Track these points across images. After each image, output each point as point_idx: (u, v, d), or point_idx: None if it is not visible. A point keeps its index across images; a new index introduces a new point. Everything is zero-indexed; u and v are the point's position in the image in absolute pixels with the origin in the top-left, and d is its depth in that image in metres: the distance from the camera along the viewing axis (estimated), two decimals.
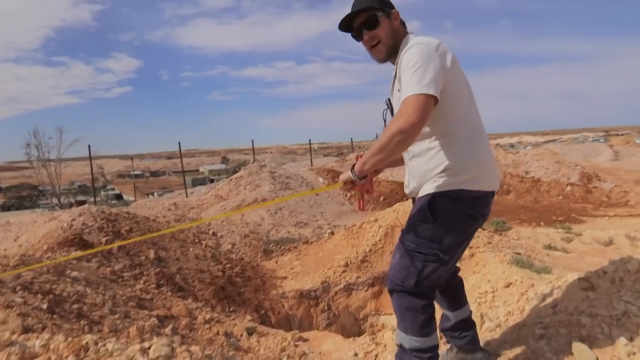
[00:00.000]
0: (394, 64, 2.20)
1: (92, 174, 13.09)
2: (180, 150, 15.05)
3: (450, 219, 2.05)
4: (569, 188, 14.49)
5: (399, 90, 2.03)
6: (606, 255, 7.45)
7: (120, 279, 5.01)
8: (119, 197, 53.16)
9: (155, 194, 44.49)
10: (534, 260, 5.90)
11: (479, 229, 7.04)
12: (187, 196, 13.09)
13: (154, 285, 5.22)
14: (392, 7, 2.20)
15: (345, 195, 13.34)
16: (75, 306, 3.64)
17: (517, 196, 14.34)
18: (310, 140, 20.96)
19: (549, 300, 2.88)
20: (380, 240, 6.68)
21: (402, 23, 2.23)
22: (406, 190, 2.30)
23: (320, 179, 14.17)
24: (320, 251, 7.22)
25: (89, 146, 12.38)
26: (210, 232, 7.92)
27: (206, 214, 10.03)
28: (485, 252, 5.91)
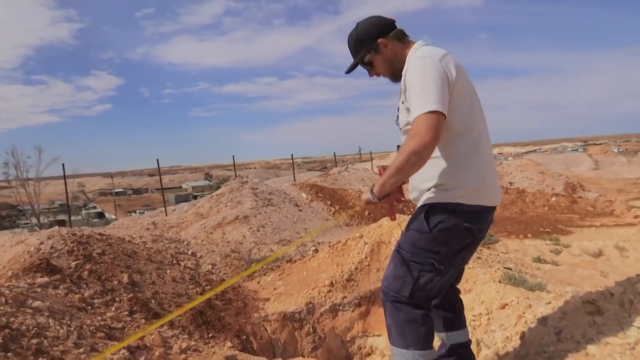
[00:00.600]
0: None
1: (66, 192, 12.67)
2: (159, 167, 14.69)
3: (446, 230, 2.04)
4: (554, 198, 14.45)
5: (403, 103, 2.10)
6: (597, 267, 7.31)
7: (89, 307, 4.67)
8: (100, 215, 52.22)
9: (137, 211, 43.78)
10: (526, 275, 5.70)
11: None
12: (166, 214, 12.71)
13: (126, 313, 4.88)
14: (375, 38, 2.20)
15: (330, 211, 13.10)
16: (34, 341, 3.31)
17: (502, 208, 14.23)
18: (292, 155, 20.77)
19: (550, 324, 2.65)
20: (366, 257, 6.43)
21: (399, 39, 2.21)
22: (409, 196, 2.30)
23: (304, 194, 13.91)
24: (304, 270, 6.93)
25: (62, 165, 12.05)
26: (190, 252, 7.59)
27: (185, 233, 9.69)
28: (474, 268, 5.69)
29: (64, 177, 11.98)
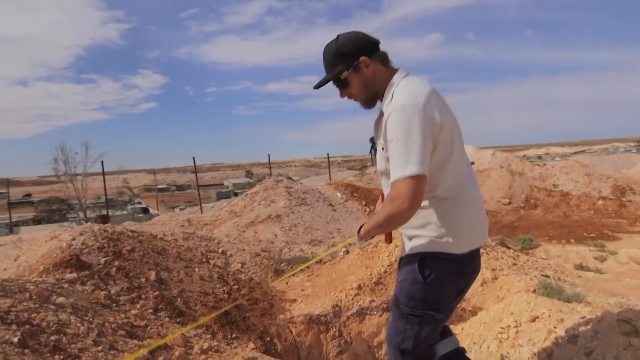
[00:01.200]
0: (380, 107, 2.09)
1: (105, 188, 13.05)
2: (194, 165, 14.97)
3: (441, 279, 2.02)
4: (600, 202, 13.75)
5: (382, 149, 2.01)
6: None
7: (114, 304, 4.71)
8: (145, 210, 53.75)
9: (179, 207, 44.80)
10: (564, 283, 5.40)
11: (504, 248, 6.53)
12: (201, 212, 12.86)
13: (151, 310, 4.90)
14: (357, 56, 2.02)
15: (364, 211, 12.91)
16: (53, 338, 3.34)
17: (544, 211, 13.66)
18: (328, 154, 20.54)
19: (581, 342, 2.44)
20: (395, 260, 6.25)
21: (382, 61, 2.07)
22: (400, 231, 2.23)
23: (339, 194, 13.78)
24: (334, 271, 6.82)
25: (102, 162, 12.40)
26: (220, 251, 7.61)
27: (218, 231, 9.74)
28: (509, 274, 5.44)
29: (103, 173, 12.34)
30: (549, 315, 3.19)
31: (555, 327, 2.95)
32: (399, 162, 1.83)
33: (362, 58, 2.02)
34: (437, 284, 2.02)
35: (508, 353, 2.91)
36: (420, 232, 2.05)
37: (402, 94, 1.91)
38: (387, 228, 2.02)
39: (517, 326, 3.27)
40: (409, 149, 1.81)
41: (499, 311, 3.61)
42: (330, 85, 2.12)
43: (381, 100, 2.08)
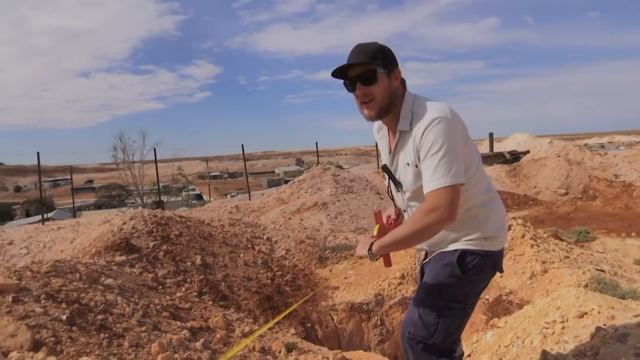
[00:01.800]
0: (388, 126, 2.15)
1: (157, 175, 13.53)
2: (243, 153, 15.19)
3: (478, 274, 2.08)
4: None
5: (407, 165, 2.01)
6: None
7: (160, 286, 4.86)
8: (199, 197, 55.34)
9: (230, 194, 45.80)
10: (621, 279, 5.10)
11: (557, 241, 6.25)
12: (249, 199, 13.07)
13: (195, 294, 5.04)
14: (395, 64, 2.05)
15: None
16: (99, 317, 3.48)
17: (604, 202, 12.95)
18: (376, 142, 20.25)
19: (631, 342, 2.29)
20: None
21: (403, 82, 2.09)
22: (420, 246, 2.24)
23: (386, 182, 13.62)
24: (377, 260, 6.76)
25: (154, 150, 12.89)
26: (265, 237, 7.70)
27: (265, 218, 9.87)
28: (560, 268, 5.20)
29: (156, 161, 12.81)
30: (599, 312, 3.01)
31: (605, 325, 2.78)
32: (440, 172, 1.84)
33: (398, 69, 2.05)
34: (473, 278, 2.07)
35: (552, 349, 2.78)
36: (460, 235, 2.07)
37: (428, 109, 1.94)
38: (414, 242, 2.00)
39: (563, 322, 3.11)
40: (450, 158, 1.84)
41: (545, 305, 3.45)
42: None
43: (388, 118, 2.10)
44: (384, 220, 2.42)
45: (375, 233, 2.28)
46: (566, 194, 13.75)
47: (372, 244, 2.06)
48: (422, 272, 2.28)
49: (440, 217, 1.84)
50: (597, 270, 5.27)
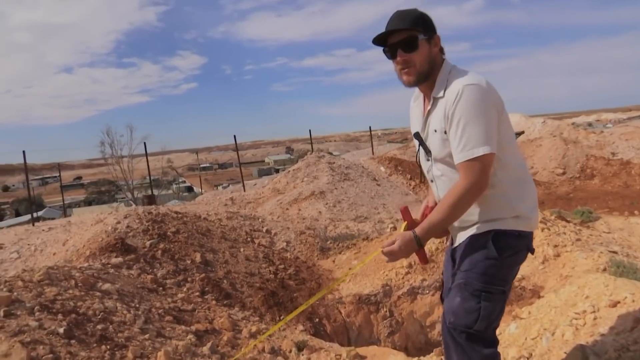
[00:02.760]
0: (424, 93, 2.10)
1: (148, 169, 13.28)
2: (236, 143, 14.92)
3: (514, 255, 2.02)
4: None
5: (435, 131, 1.99)
6: None
7: (160, 288, 4.64)
8: (190, 189, 54.87)
9: (222, 185, 45.44)
10: (636, 260, 4.96)
11: (565, 222, 6.09)
12: (244, 190, 12.81)
13: (197, 293, 4.82)
14: (435, 31, 2.03)
15: (409, 185, 12.55)
16: (99, 327, 3.26)
17: (603, 181, 12.84)
18: (370, 127, 19.93)
19: None
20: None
21: (441, 49, 2.07)
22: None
23: (382, 168, 13.42)
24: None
25: (144, 144, 12.66)
26: (264, 230, 7.48)
27: (262, 209, 9.64)
28: (573, 251, 5.04)
29: (146, 155, 12.55)
30: (633, 300, 2.84)
31: None
32: (469, 142, 1.84)
33: (437, 35, 2.03)
34: (510, 260, 2.01)
35: (588, 342, 2.60)
36: (492, 215, 1.99)
37: (464, 77, 1.91)
38: (459, 214, 1.92)
39: (594, 312, 2.93)
40: (479, 127, 1.83)
41: (572, 294, 3.27)
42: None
43: (425, 85, 2.05)
44: (423, 212, 2.30)
45: (402, 231, 2.07)
46: (564, 173, 13.64)
47: (413, 231, 1.94)
48: (452, 260, 2.18)
49: (474, 190, 1.86)
50: (610, 252, 5.12)
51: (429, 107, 2.04)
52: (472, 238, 2.03)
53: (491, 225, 1.99)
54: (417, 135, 2.15)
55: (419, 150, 2.17)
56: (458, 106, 1.86)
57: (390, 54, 2.03)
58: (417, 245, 1.94)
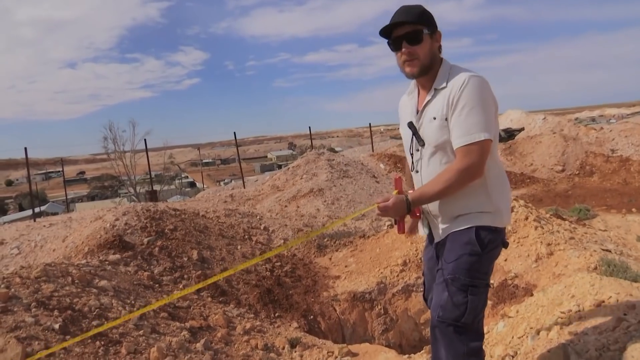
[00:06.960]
0: (423, 86, 2.20)
1: (149, 164, 13.35)
2: (236, 139, 14.98)
3: (494, 250, 2.15)
4: None
5: (434, 119, 2.08)
6: None
7: (157, 285, 4.71)
8: (192, 184, 54.98)
9: (224, 181, 45.54)
10: (628, 259, 5.00)
11: (560, 220, 6.12)
12: (244, 187, 12.88)
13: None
14: (437, 27, 2.17)
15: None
16: (94, 323, 3.33)
17: (602, 178, 12.85)
18: (370, 124, 19.94)
19: None
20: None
21: (440, 48, 2.20)
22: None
23: (382, 165, 13.46)
24: (378, 247, 6.62)
25: (145, 140, 12.75)
26: (262, 227, 7.54)
27: (261, 206, 9.70)
28: (566, 249, 5.08)
29: (147, 150, 12.64)
30: (617, 300, 2.89)
31: (625, 314, 2.65)
32: (472, 127, 1.96)
33: (439, 31, 2.16)
34: (491, 254, 2.15)
35: (572, 341, 2.65)
36: (472, 208, 2.10)
37: (467, 71, 2.04)
38: (454, 191, 2.03)
39: (579, 311, 2.98)
40: (488, 115, 1.98)
41: (559, 293, 3.32)
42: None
43: (425, 77, 2.16)
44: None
45: None
46: (563, 170, 13.65)
47: (406, 193, 2.12)
48: (436, 256, 2.29)
49: (470, 171, 1.97)
50: (603, 250, 5.16)
51: (428, 98, 2.14)
52: (456, 234, 2.13)
53: (472, 222, 2.10)
54: (410, 125, 2.23)
55: (411, 139, 2.25)
56: (464, 93, 1.98)
57: (395, 46, 2.14)
58: (406, 209, 2.08)
